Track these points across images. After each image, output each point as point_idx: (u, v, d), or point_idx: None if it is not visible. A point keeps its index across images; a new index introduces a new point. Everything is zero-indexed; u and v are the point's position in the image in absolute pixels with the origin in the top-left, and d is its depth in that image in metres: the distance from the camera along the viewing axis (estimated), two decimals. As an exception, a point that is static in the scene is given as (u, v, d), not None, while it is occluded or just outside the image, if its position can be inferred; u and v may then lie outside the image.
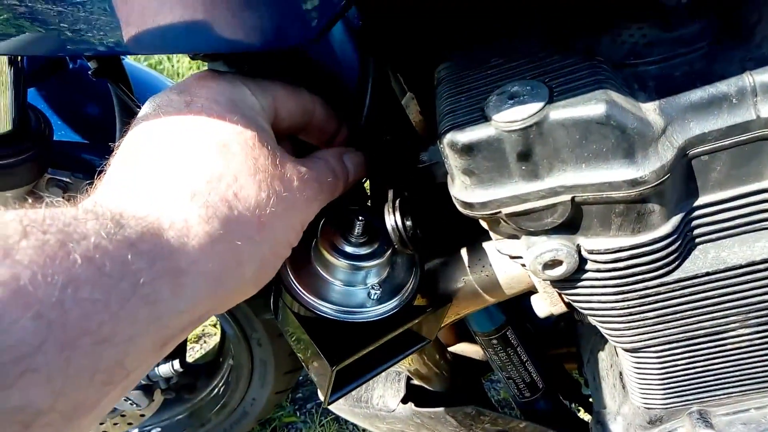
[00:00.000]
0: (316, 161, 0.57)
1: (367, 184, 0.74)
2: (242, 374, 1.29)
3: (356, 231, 0.63)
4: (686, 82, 0.50)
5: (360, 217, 0.63)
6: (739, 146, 0.50)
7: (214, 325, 1.89)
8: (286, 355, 1.25)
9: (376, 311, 0.63)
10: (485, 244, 0.70)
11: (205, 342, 1.89)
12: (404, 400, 1.08)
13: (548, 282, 0.66)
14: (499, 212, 0.53)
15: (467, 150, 0.50)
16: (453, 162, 0.52)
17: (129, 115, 0.82)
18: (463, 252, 0.72)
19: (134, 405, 1.12)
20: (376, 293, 0.63)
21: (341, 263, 0.63)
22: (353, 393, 1.21)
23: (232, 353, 1.29)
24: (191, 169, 0.48)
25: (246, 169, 0.49)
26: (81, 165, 0.83)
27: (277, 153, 0.52)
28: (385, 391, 1.13)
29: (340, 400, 1.23)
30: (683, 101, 0.49)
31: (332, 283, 0.63)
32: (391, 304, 0.64)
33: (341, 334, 0.63)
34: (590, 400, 1.13)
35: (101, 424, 1.28)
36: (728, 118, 0.49)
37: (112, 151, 0.83)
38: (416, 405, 1.05)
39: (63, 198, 0.79)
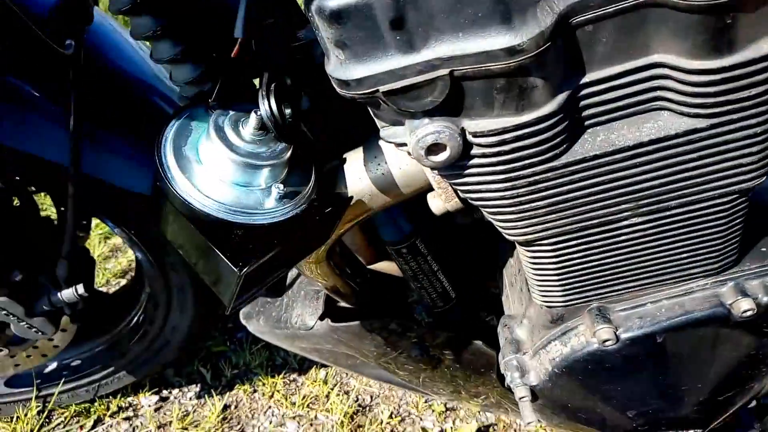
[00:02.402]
0: None
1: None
2: (160, 301, 1.25)
3: (252, 126, 0.58)
4: (570, -57, 0.47)
5: (257, 111, 0.59)
6: (623, 14, 0.48)
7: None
8: (204, 280, 1.21)
9: (278, 212, 0.60)
10: (381, 141, 0.67)
11: (131, 276, 1.83)
12: (322, 318, 1.07)
13: (442, 177, 0.64)
14: (377, 91, 0.49)
15: (336, 17, 0.46)
16: (324, 33, 0.48)
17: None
18: (359, 150, 0.68)
19: (39, 332, 1.07)
20: (279, 193, 0.60)
21: (236, 160, 0.59)
22: (273, 314, 1.19)
23: (148, 280, 1.24)
24: None
25: None
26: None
27: None
28: (303, 310, 1.11)
29: (260, 321, 1.21)
30: (565, -37, 0.46)
31: (226, 182, 0.59)
32: (292, 206, 0.61)
33: (237, 238, 0.59)
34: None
35: (12, 356, 1.23)
36: (611, -19, 0.46)
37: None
38: (333, 321, 1.04)
39: None
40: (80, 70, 0.84)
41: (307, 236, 0.66)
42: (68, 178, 0.88)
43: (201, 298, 1.27)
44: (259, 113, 0.59)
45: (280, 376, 1.56)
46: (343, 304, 1.11)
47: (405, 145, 0.54)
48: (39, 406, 1.41)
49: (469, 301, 0.97)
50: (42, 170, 0.97)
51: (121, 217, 1.06)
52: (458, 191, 0.59)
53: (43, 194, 1.64)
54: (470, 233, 0.98)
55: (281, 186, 0.61)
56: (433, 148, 0.52)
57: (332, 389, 1.54)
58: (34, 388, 1.39)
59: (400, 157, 0.66)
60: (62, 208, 1.19)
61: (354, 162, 0.68)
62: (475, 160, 0.54)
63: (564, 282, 0.68)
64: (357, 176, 0.67)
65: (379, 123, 0.56)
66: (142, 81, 1.01)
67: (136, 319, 1.35)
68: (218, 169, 0.60)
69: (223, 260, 0.58)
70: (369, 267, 1.11)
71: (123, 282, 1.82)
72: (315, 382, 1.55)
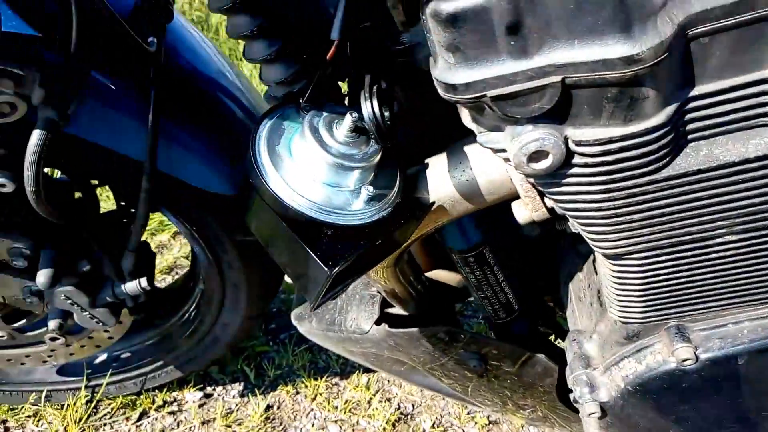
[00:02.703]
0: None
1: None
2: (213, 298, 1.26)
3: (347, 128, 0.59)
4: (692, -46, 0.46)
5: (353, 113, 0.59)
6: (741, 27, 0.47)
7: (186, 257, 1.85)
8: (258, 278, 1.22)
9: (366, 214, 0.60)
10: (466, 148, 0.66)
11: (176, 273, 1.85)
12: (377, 323, 1.07)
13: (530, 186, 0.64)
14: (485, 95, 0.49)
15: (452, 20, 0.46)
16: (437, 37, 0.48)
17: (89, 5, 0.76)
18: (443, 156, 0.68)
19: (100, 323, 1.09)
20: (368, 195, 0.60)
21: (330, 160, 0.60)
22: (326, 317, 1.19)
23: (203, 277, 1.26)
24: None
25: None
26: (33, 59, 0.77)
27: None
28: (358, 314, 1.11)
29: (313, 324, 1.21)
30: (688, -27, 0.45)
31: (318, 182, 0.60)
32: (379, 209, 0.61)
33: (326, 237, 0.59)
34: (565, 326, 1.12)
35: (67, 345, 1.25)
36: (734, -7, 0.45)
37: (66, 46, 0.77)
38: (390, 327, 1.04)
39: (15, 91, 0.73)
40: (161, 67, 0.86)
41: (389, 239, 0.66)
42: (143, 173, 0.89)
43: (253, 297, 1.28)
44: (354, 115, 0.59)
45: (323, 379, 1.56)
46: (395, 309, 1.11)
47: (503, 151, 0.54)
48: (88, 395, 1.43)
49: (532, 313, 0.96)
50: (113, 164, 0.99)
51: (185, 213, 1.07)
52: (551, 200, 0.58)
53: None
54: (535, 246, 0.97)
55: (371, 188, 0.61)
56: (535, 156, 0.52)
57: (374, 395, 1.53)
58: (84, 377, 1.41)
59: (486, 163, 0.66)
60: (122, 203, 1.21)
61: (438, 167, 0.68)
62: (576, 170, 0.53)
63: (647, 297, 0.67)
64: (440, 181, 0.67)
65: (476, 128, 0.56)
66: (214, 80, 1.03)
67: (187, 314, 1.36)
68: (311, 169, 0.60)
69: (314, 259, 0.59)
70: (426, 274, 1.11)
71: (169, 279, 1.85)
72: (357, 387, 1.55)
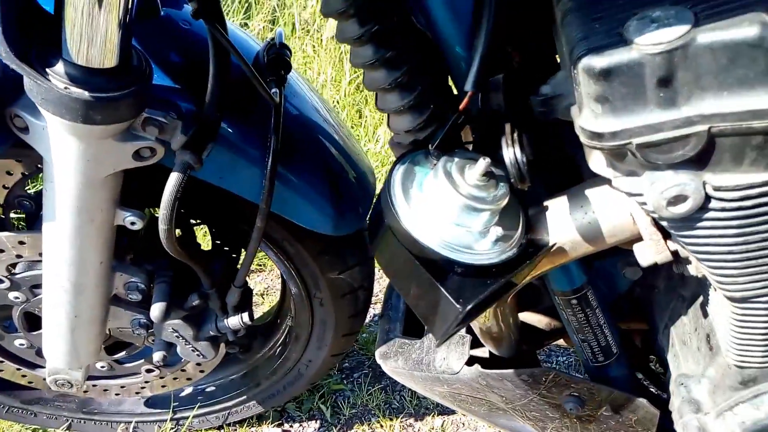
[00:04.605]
0: None
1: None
2: (301, 334, 1.30)
3: (479, 171, 0.63)
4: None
5: (486, 158, 0.63)
6: None
7: (262, 295, 1.90)
8: (346, 317, 1.25)
9: (495, 254, 0.63)
10: (587, 191, 0.69)
11: (267, 295, 1.88)
12: (469, 363, 1.08)
13: (655, 229, 0.66)
14: (630, 143, 0.52)
15: (605, 74, 0.50)
16: (586, 89, 0.52)
17: (223, 59, 0.83)
18: (564, 198, 0.71)
19: (201, 356, 1.13)
20: (497, 236, 0.64)
21: (462, 202, 0.64)
22: (413, 356, 1.21)
23: (292, 313, 1.30)
24: None
25: None
26: (173, 108, 0.84)
27: None
28: (448, 354, 1.13)
29: (399, 362, 1.23)
30: (833, 30, 0.48)
31: (450, 223, 0.63)
32: (505, 249, 0.64)
33: (456, 276, 0.63)
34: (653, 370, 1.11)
35: (161, 378, 1.30)
36: None
37: (204, 97, 0.84)
38: (482, 367, 1.05)
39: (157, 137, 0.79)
40: (281, 116, 0.92)
41: (510, 279, 0.69)
42: (257, 214, 0.94)
43: (339, 335, 1.31)
44: (487, 160, 0.63)
45: (398, 419, 1.57)
46: (480, 351, 1.13)
47: (640, 195, 0.57)
48: (173, 427, 1.47)
49: (630, 357, 0.96)
50: (219, 205, 1.05)
51: (285, 250, 1.12)
52: (681, 243, 0.60)
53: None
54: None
55: (500, 229, 0.64)
56: (674, 200, 0.55)
57: (450, 437, 1.53)
58: (171, 410, 1.45)
59: (609, 206, 0.68)
60: (218, 241, 1.27)
61: (558, 209, 0.71)
62: (712, 214, 0.55)
63: (770, 342, 0.67)
64: (561, 223, 0.70)
65: (612, 173, 0.59)
66: (318, 125, 1.09)
67: (273, 350, 1.40)
68: (443, 210, 0.64)
69: (445, 296, 0.62)
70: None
71: (260, 300, 1.89)
72: (432, 429, 1.55)
